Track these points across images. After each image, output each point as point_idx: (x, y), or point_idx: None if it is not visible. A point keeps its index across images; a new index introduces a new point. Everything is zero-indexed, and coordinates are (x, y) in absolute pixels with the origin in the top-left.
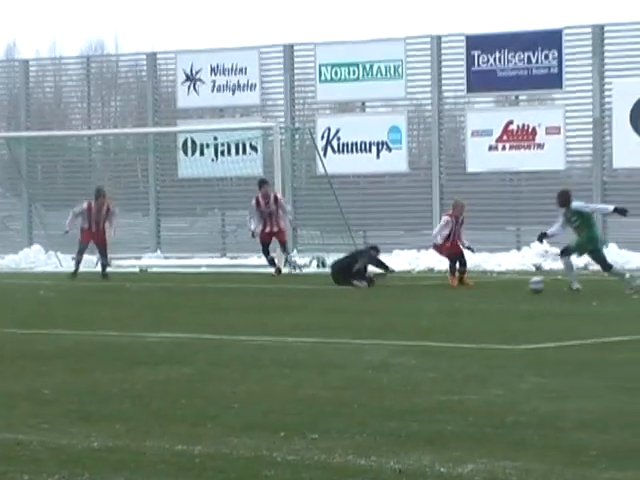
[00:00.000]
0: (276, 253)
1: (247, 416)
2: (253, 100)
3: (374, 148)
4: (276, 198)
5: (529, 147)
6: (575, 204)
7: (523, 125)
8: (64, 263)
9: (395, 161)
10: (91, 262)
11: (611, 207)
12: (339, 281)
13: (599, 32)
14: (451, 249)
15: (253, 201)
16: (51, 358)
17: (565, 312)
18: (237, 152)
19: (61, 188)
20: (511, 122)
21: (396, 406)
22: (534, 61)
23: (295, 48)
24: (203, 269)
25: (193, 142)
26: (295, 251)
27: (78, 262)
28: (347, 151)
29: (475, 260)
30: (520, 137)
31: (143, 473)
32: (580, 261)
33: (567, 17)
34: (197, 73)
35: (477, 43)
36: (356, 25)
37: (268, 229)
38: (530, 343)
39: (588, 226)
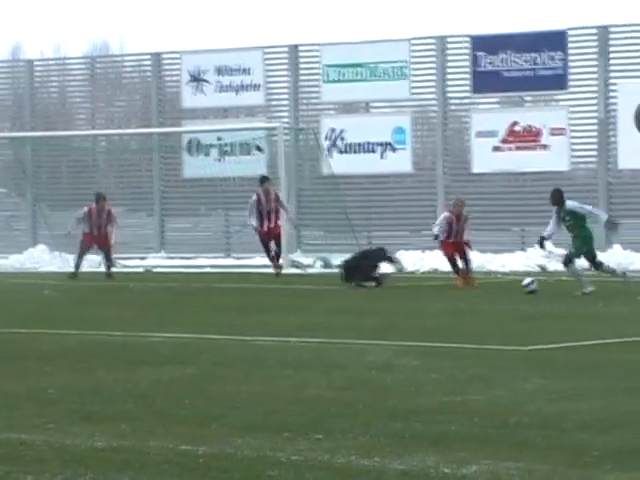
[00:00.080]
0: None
1: (251, 416)
2: (258, 100)
3: (378, 149)
4: (277, 196)
5: (534, 148)
6: (570, 204)
7: (528, 126)
8: (70, 263)
9: (399, 162)
10: (95, 262)
11: (605, 216)
12: (349, 280)
13: (604, 33)
14: (453, 246)
15: (254, 197)
16: (55, 358)
17: (570, 313)
18: (241, 152)
19: (65, 188)
20: (516, 123)
21: (400, 407)
22: (539, 62)
23: (300, 49)
24: (207, 269)
25: (198, 142)
26: (299, 251)
27: (77, 266)
28: (351, 152)
29: (479, 261)
30: (525, 138)
31: (147, 473)
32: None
33: (572, 18)
34: (202, 73)
35: (482, 44)
36: (361, 26)
37: (266, 226)
38: (534, 344)
39: (581, 226)
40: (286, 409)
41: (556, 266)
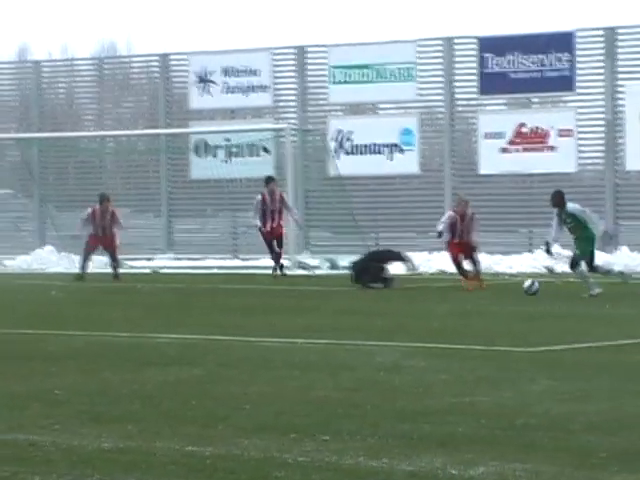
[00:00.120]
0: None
1: (258, 417)
2: (265, 102)
3: (386, 150)
4: (281, 197)
5: (541, 149)
6: (571, 207)
7: (535, 127)
8: (77, 264)
9: (407, 163)
10: (102, 263)
11: (602, 227)
12: (358, 281)
13: (611, 34)
14: (458, 247)
15: (259, 196)
16: (62, 359)
17: (577, 315)
18: (249, 154)
19: (73, 189)
20: (523, 124)
21: (408, 408)
22: (546, 63)
23: (307, 50)
24: (214, 270)
25: (205, 143)
26: (307, 252)
27: (83, 267)
28: (359, 153)
29: (487, 262)
30: (532, 139)
31: (153, 474)
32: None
33: (579, 19)
34: (209, 74)
35: (489, 45)
36: (368, 27)
37: (269, 226)
38: (541, 345)
39: (583, 227)
40: (293, 410)
41: (563, 268)
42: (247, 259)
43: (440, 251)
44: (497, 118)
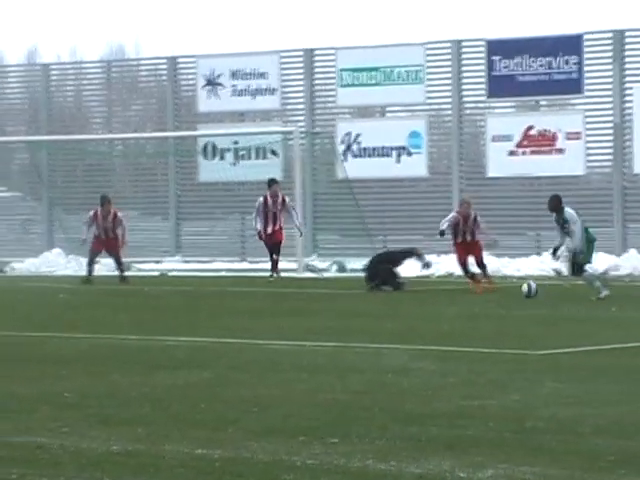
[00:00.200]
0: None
1: (266, 420)
2: (273, 104)
3: (394, 153)
4: (284, 200)
5: (549, 152)
6: (568, 213)
7: (543, 130)
8: (84, 267)
9: (415, 166)
10: (110, 266)
11: (574, 247)
12: (370, 282)
13: (619, 37)
14: (464, 249)
15: (261, 199)
16: (71, 362)
17: (584, 317)
18: (257, 156)
19: (81, 192)
20: (531, 127)
21: (416, 411)
22: (554, 66)
23: (315, 53)
24: (223, 273)
25: (213, 146)
26: (315, 255)
27: (89, 271)
28: (367, 156)
29: (495, 265)
30: (540, 142)
31: (162, 477)
32: (600, 267)
33: (588, 22)
34: (217, 77)
35: (497, 48)
36: (376, 30)
37: (270, 229)
38: (549, 348)
39: (580, 230)
40: (301, 413)
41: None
42: (255, 262)
43: (448, 254)
44: (505, 121)
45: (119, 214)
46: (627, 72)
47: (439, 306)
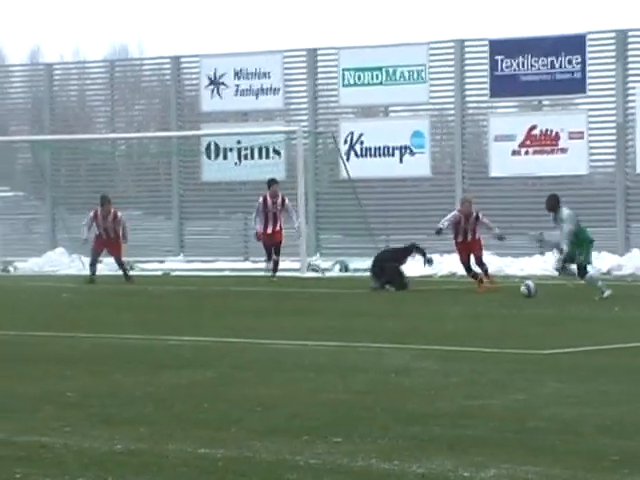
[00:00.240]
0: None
1: (269, 420)
2: (276, 104)
3: (397, 152)
4: (283, 200)
5: (552, 152)
6: (565, 213)
7: (546, 130)
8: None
9: (418, 166)
10: (114, 265)
11: (565, 248)
12: (378, 278)
13: (622, 37)
14: (465, 248)
15: (260, 199)
16: (74, 361)
17: (587, 317)
18: (260, 156)
19: (84, 192)
20: (534, 127)
21: (419, 410)
22: (557, 66)
23: (318, 52)
24: (226, 272)
25: (216, 146)
26: (318, 255)
27: (93, 272)
28: (370, 155)
29: (497, 265)
30: (543, 142)
31: (165, 476)
32: (602, 266)
33: (591, 22)
34: (221, 77)
35: (500, 48)
36: (379, 30)
37: (270, 229)
38: (552, 348)
39: (578, 231)
40: (304, 412)
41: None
42: (259, 261)
43: (451, 253)
44: (508, 120)
45: (119, 214)
46: (630, 72)
47: (442, 306)
